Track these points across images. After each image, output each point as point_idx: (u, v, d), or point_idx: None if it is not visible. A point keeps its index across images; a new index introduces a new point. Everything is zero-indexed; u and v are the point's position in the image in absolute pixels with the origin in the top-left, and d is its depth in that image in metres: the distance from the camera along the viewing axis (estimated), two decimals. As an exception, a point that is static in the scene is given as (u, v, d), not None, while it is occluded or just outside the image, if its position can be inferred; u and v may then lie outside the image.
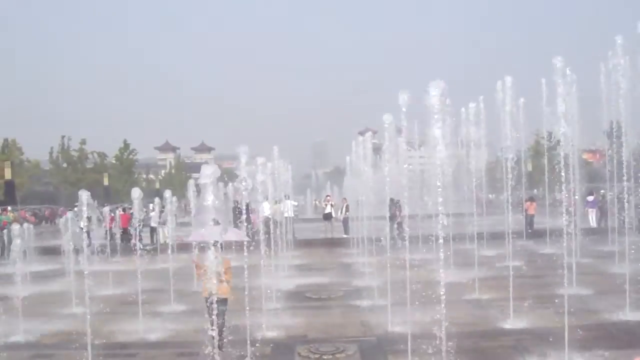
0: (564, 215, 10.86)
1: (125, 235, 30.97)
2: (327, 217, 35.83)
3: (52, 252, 27.45)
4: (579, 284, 14.80)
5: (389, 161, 14.26)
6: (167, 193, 22.13)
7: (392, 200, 28.03)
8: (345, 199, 36.97)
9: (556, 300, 12.59)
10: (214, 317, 10.90)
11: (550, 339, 10.33)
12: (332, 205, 36.56)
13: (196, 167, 34.02)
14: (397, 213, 25.86)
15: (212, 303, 11.25)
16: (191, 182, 27.33)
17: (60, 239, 24.20)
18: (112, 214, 34.45)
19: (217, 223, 10.14)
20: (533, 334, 11.96)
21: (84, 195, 11.65)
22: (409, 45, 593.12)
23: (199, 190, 14.78)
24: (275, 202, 26.87)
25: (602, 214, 34.89)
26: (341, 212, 34.90)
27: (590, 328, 11.69)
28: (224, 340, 11.63)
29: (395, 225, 26.06)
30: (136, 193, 16.59)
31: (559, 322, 10.08)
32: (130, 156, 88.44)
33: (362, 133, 28.76)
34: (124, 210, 35.54)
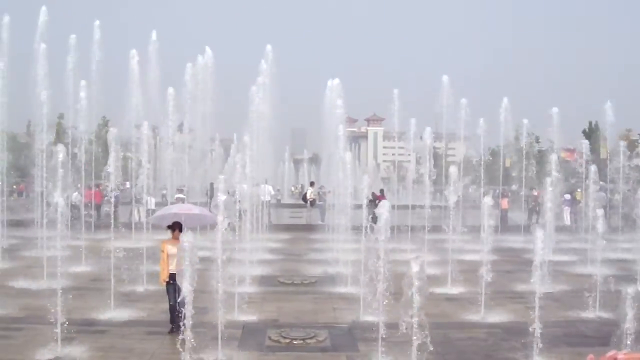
0: (535, 212, 10.97)
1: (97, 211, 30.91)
2: (311, 203, 36.27)
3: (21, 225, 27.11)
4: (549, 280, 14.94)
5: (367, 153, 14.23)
6: (142, 168, 20.63)
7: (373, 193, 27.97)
8: (312, 182, 39.52)
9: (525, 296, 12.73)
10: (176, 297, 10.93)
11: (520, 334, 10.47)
12: (323, 193, 37.60)
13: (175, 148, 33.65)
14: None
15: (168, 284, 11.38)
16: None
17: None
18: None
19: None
20: (503, 327, 12.12)
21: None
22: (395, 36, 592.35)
23: None
24: (255, 186, 26.77)
25: (574, 212, 35.19)
26: (309, 194, 36.27)
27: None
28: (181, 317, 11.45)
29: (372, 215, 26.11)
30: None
31: (530, 317, 10.20)
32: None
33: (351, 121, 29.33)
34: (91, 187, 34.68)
